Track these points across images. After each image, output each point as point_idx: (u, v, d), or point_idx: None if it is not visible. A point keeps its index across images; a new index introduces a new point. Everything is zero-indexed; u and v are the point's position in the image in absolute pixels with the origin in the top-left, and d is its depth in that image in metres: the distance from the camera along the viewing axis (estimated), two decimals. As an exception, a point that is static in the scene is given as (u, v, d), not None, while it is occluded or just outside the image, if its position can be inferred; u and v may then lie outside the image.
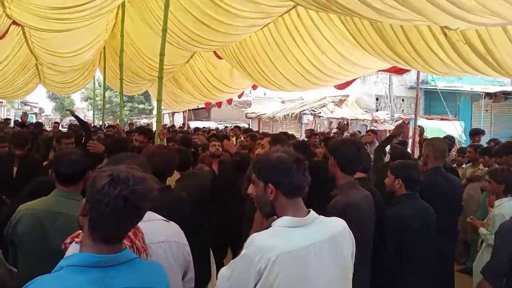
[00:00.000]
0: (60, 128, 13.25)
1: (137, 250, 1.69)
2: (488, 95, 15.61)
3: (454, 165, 5.86)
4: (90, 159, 2.67)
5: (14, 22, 7.80)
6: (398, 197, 3.02)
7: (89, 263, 1.33)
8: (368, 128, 11.70)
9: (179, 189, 3.19)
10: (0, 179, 4.11)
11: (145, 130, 5.06)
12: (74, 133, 5.41)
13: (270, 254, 1.51)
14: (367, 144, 7.78)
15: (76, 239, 1.59)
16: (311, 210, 1.69)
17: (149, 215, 1.96)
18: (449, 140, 6.49)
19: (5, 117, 21.98)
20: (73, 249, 1.56)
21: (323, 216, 1.72)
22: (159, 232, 1.99)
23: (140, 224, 1.76)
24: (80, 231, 1.52)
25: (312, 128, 14.85)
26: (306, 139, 8.53)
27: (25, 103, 33.23)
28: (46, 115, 39.70)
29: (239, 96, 13.89)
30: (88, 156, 2.89)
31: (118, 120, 8.12)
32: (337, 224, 1.75)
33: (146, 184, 1.37)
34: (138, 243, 1.71)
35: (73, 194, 2.34)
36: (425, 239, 2.83)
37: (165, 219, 2.09)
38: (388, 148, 6.38)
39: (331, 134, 11.00)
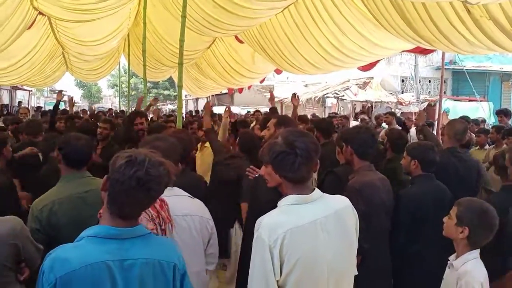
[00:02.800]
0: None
1: (163, 220, 1.82)
2: (519, 74, 15.06)
3: (477, 147, 5.73)
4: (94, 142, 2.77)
5: (40, 12, 8.02)
6: (413, 178, 3.05)
7: (107, 234, 1.44)
8: (390, 111, 11.46)
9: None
10: (29, 164, 4.14)
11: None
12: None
13: (279, 231, 1.58)
14: (387, 125, 7.73)
15: None
16: (316, 188, 1.74)
17: (176, 191, 2.14)
18: (470, 122, 6.34)
19: (36, 105, 22.70)
20: None
21: (327, 194, 1.77)
22: (184, 206, 2.12)
23: (166, 198, 1.90)
24: None
25: (336, 111, 14.73)
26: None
27: (54, 91, 34.12)
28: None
29: (261, 81, 13.85)
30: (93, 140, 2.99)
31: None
32: (341, 201, 1.80)
33: (161, 168, 1.46)
34: (163, 214, 1.84)
35: (84, 172, 2.47)
36: (440, 218, 2.83)
37: (190, 195, 2.21)
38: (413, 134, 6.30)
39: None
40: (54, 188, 2.42)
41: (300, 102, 17.75)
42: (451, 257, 2.33)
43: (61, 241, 2.06)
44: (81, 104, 40.66)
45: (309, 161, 1.67)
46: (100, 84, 43.26)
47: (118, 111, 14.41)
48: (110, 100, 42.96)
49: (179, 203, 2.09)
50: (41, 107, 18.09)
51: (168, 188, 2.02)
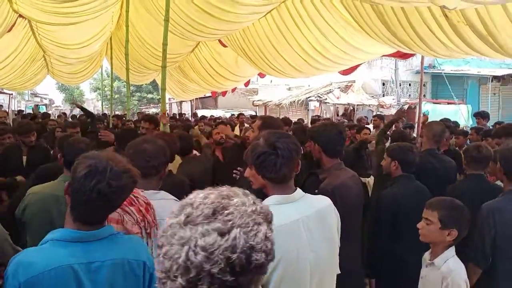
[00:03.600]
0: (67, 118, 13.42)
1: (148, 224, 1.84)
2: (496, 78, 15.43)
3: (457, 148, 5.88)
4: (98, 148, 2.79)
5: (20, 15, 7.91)
6: (394, 179, 3.11)
7: (70, 238, 1.43)
8: (374, 114, 11.66)
9: (181, 173, 3.31)
10: (10, 168, 4.21)
11: (151, 118, 5.20)
12: (79, 123, 5.55)
13: None
14: (374, 129, 7.84)
15: None
16: (298, 188, 1.77)
17: (162, 194, 2.14)
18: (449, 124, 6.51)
19: (17, 109, 22.26)
20: None
21: (309, 194, 1.80)
22: (170, 210, 2.09)
23: (153, 202, 1.92)
24: None
25: (319, 114, 14.86)
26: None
27: (35, 95, 33.61)
28: (56, 106, 40.08)
29: (246, 85, 13.88)
30: (96, 145, 3.03)
31: (126, 109, 8.27)
32: (323, 201, 1.84)
33: (125, 176, 1.43)
34: (149, 218, 1.86)
35: None
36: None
37: (176, 199, 2.18)
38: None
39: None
40: (51, 182, 2.48)
41: (284, 106, 17.94)
42: (426, 256, 2.36)
43: (27, 235, 2.29)
44: (63, 107, 40.06)
45: (290, 161, 1.69)
46: (83, 87, 42.71)
47: (100, 115, 14.24)
48: (93, 104, 42.41)
49: (166, 206, 2.07)
50: (23, 111, 17.76)
51: (154, 191, 2.06)
